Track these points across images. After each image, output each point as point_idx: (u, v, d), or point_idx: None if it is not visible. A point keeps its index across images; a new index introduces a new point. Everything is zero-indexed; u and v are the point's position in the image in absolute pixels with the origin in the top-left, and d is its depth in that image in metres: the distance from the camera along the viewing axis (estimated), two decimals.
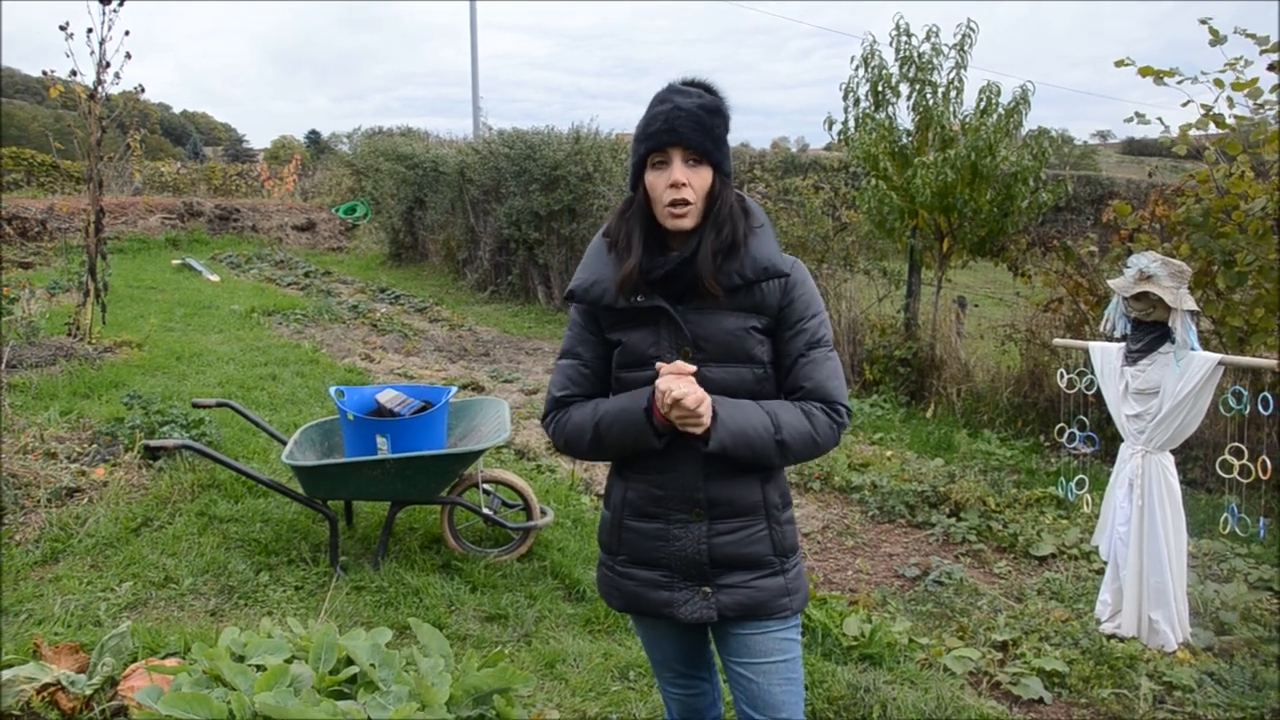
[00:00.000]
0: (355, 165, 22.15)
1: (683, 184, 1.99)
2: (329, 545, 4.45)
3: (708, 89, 2.08)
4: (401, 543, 4.72)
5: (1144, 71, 5.78)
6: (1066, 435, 4.57)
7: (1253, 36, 5.57)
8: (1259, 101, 5.62)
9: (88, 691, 3.03)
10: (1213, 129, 5.79)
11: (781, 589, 2.12)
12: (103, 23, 8.06)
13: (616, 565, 2.21)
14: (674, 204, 2.00)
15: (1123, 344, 3.99)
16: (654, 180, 2.03)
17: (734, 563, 2.10)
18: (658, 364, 2.02)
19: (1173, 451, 3.91)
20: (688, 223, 2.02)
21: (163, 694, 2.53)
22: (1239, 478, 3.82)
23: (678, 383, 1.95)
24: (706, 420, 1.96)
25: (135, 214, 19.42)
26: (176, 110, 67.65)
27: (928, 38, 8.12)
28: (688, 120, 1.99)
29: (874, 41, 8.33)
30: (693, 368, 2.00)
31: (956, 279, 9.22)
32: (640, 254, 2.04)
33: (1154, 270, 3.72)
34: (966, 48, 8.08)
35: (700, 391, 1.96)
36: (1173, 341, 3.75)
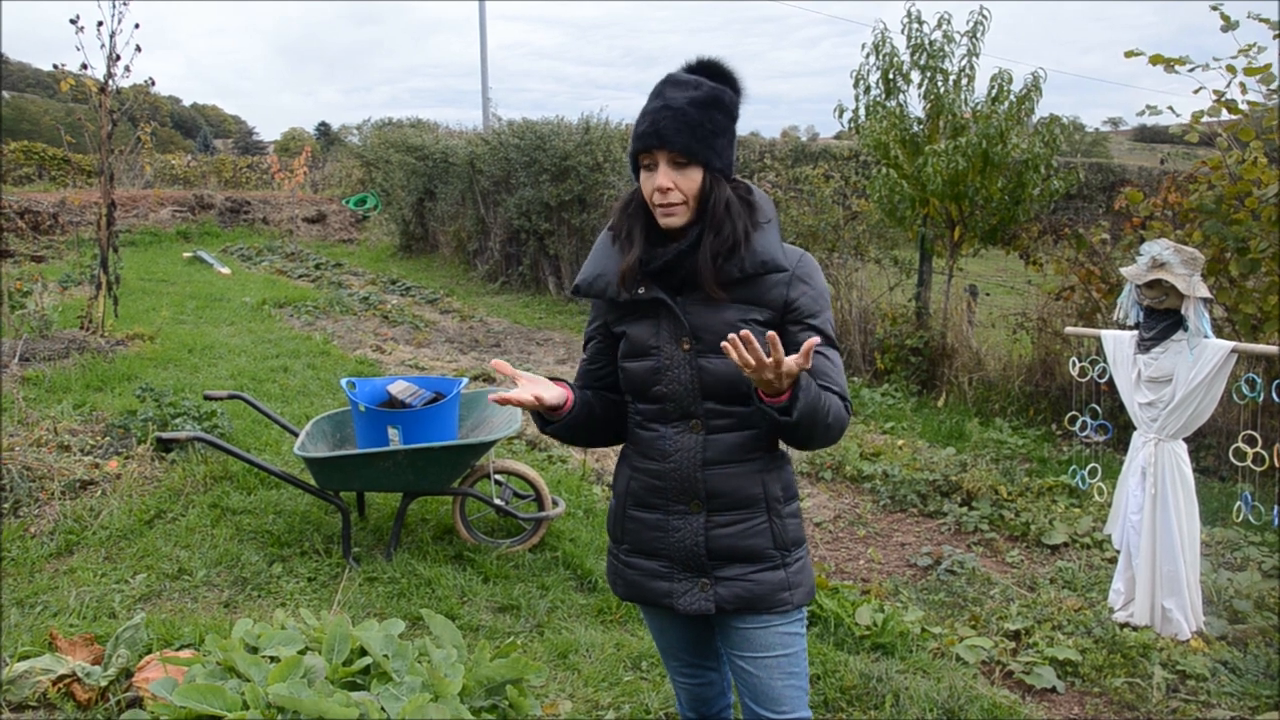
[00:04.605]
0: (365, 157, 22.15)
1: (667, 188, 1.97)
2: (341, 537, 4.47)
3: (714, 73, 2.04)
4: (414, 534, 4.74)
5: (1155, 60, 5.73)
6: (1079, 424, 4.56)
7: (1266, 21, 5.51)
8: (1272, 87, 5.57)
9: (103, 683, 3.06)
10: (1225, 115, 5.74)
11: (782, 583, 2.10)
12: (112, 16, 8.09)
13: (621, 554, 2.22)
14: (661, 205, 1.99)
15: (1135, 332, 3.97)
16: (644, 181, 2.02)
17: (732, 555, 2.08)
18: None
19: (1186, 439, 3.89)
20: (677, 221, 2.00)
21: (177, 685, 2.55)
22: (1252, 465, 3.79)
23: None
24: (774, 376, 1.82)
25: (146, 207, 19.49)
26: (187, 103, 67.87)
27: (939, 25, 8.08)
28: (673, 121, 1.94)
29: (885, 29, 8.29)
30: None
31: (968, 267, 9.18)
32: (641, 247, 2.04)
33: (1166, 258, 3.70)
34: (979, 35, 8.04)
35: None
36: (1186, 329, 3.73)
